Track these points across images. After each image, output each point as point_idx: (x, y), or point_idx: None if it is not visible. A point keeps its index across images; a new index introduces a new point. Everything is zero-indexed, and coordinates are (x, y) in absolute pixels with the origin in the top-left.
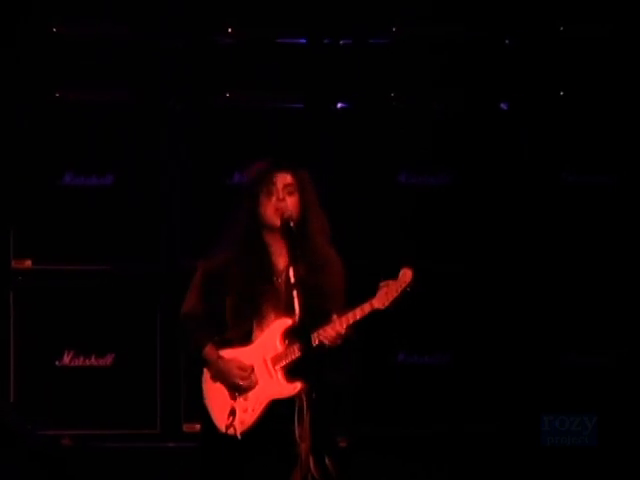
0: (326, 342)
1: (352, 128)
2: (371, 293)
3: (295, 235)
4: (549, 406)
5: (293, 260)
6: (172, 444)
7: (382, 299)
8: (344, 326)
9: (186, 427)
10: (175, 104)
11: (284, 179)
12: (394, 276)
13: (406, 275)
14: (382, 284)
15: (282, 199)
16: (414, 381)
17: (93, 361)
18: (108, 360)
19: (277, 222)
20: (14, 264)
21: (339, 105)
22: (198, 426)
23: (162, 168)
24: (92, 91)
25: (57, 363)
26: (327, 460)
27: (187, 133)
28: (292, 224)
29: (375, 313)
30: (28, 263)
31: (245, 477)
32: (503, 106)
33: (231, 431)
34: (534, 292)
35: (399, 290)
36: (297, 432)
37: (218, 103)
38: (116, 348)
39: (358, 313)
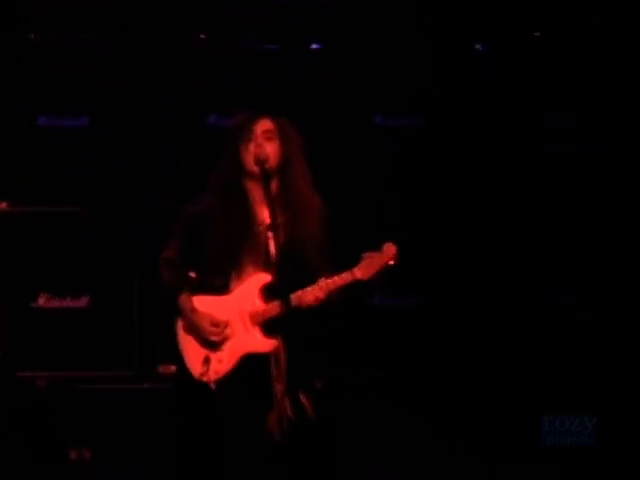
0: (304, 305)
1: (327, 69)
2: (351, 250)
3: (270, 177)
4: (549, 407)
5: (269, 202)
6: (147, 385)
7: (364, 270)
8: (324, 292)
9: (161, 368)
10: (153, 45)
11: (263, 125)
12: (377, 249)
13: (390, 249)
14: (366, 255)
15: (260, 145)
16: (390, 323)
17: (68, 302)
18: (83, 302)
19: (256, 169)
20: None
21: (314, 46)
22: (173, 367)
23: (138, 109)
24: (69, 32)
25: (33, 305)
26: (304, 400)
27: (164, 74)
28: (266, 165)
29: (356, 283)
30: (3, 205)
31: (220, 419)
32: (479, 47)
33: (205, 378)
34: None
35: (382, 264)
36: (273, 374)
37: (194, 44)
38: (91, 290)
39: (339, 281)
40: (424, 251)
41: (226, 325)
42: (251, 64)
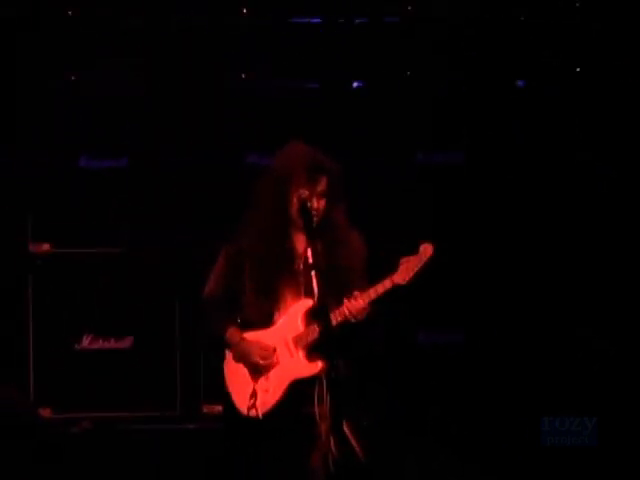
0: (348, 317)
1: (368, 107)
2: (392, 270)
3: (312, 215)
4: (549, 407)
5: (311, 241)
6: (192, 426)
7: (403, 274)
8: (366, 301)
9: (206, 408)
10: (191, 85)
11: (321, 185)
12: (414, 252)
13: (427, 250)
14: (403, 259)
15: (316, 208)
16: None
17: (112, 344)
18: (127, 342)
19: (301, 220)
20: (32, 248)
21: (355, 84)
22: (218, 407)
23: (177, 149)
24: (108, 74)
25: (76, 346)
26: (351, 438)
27: (203, 113)
28: (308, 204)
29: (397, 289)
30: (46, 247)
31: (265, 458)
32: (520, 83)
33: (253, 412)
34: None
35: (420, 265)
36: (317, 412)
37: (233, 84)
38: (135, 330)
39: (380, 288)
40: (463, 288)
41: (274, 349)
42: (292, 102)
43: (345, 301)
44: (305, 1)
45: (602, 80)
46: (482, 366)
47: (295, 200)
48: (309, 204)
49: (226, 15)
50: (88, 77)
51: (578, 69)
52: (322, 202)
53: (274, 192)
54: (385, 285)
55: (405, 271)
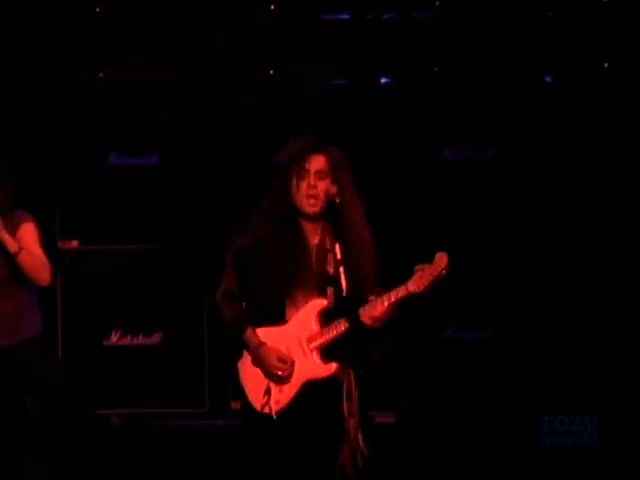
0: (367, 323)
1: (396, 103)
2: (405, 272)
3: (339, 214)
4: (549, 406)
5: (339, 238)
6: (220, 422)
7: (417, 283)
8: (382, 310)
9: (234, 404)
10: (220, 81)
11: (317, 164)
12: (429, 259)
13: (442, 259)
14: (418, 267)
15: (314, 186)
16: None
17: (141, 340)
18: (156, 339)
19: (308, 209)
20: (61, 245)
21: (383, 80)
22: None
23: (206, 145)
24: (137, 70)
25: (105, 343)
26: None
27: (231, 110)
28: (337, 202)
29: (411, 297)
30: (75, 243)
31: (287, 455)
32: (548, 79)
33: (266, 410)
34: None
35: (434, 274)
36: (345, 408)
37: (262, 81)
38: (164, 326)
39: (393, 296)
40: (490, 285)
41: (293, 362)
42: (320, 98)
43: (361, 310)
44: None
45: (630, 76)
46: (508, 362)
47: (303, 198)
48: (337, 200)
49: (255, 11)
50: (118, 74)
51: (606, 64)
52: (323, 184)
53: (277, 186)
54: (399, 293)
55: (419, 279)
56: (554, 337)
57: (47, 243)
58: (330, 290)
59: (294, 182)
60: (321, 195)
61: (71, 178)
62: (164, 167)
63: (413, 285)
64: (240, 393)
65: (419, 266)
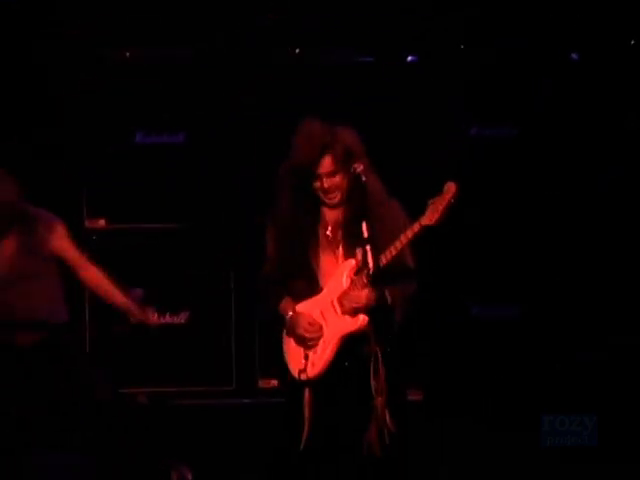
0: (384, 262)
1: (422, 81)
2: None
3: (364, 190)
4: (549, 406)
5: (364, 215)
6: (247, 400)
7: (430, 216)
8: (398, 248)
9: (261, 383)
10: (249, 60)
11: (324, 167)
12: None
13: (450, 188)
14: (429, 202)
15: (327, 188)
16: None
17: (168, 319)
18: (183, 317)
19: (328, 202)
20: (88, 224)
21: (409, 58)
22: (273, 382)
23: (234, 124)
24: (165, 49)
25: (132, 321)
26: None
27: (258, 88)
28: (363, 178)
29: (428, 230)
30: (102, 222)
31: (319, 431)
32: (574, 56)
33: (303, 376)
34: None
35: (444, 204)
36: (373, 386)
37: (289, 59)
38: (190, 305)
39: (409, 233)
40: (515, 262)
41: (321, 326)
42: (346, 76)
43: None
44: None
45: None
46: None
47: (319, 193)
48: (363, 178)
49: None
50: (144, 52)
51: (633, 42)
52: (335, 179)
53: (292, 172)
54: (414, 229)
55: (432, 212)
56: (554, 337)
57: (74, 222)
58: (359, 251)
59: (310, 181)
60: (338, 188)
61: (98, 157)
62: (191, 146)
63: (426, 219)
64: (281, 366)
65: (430, 200)
